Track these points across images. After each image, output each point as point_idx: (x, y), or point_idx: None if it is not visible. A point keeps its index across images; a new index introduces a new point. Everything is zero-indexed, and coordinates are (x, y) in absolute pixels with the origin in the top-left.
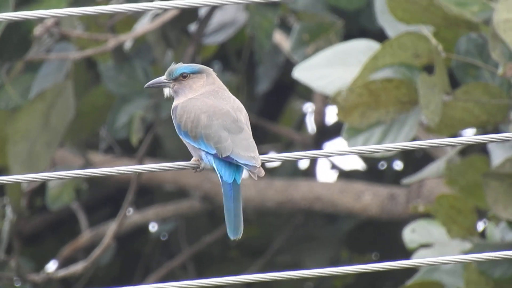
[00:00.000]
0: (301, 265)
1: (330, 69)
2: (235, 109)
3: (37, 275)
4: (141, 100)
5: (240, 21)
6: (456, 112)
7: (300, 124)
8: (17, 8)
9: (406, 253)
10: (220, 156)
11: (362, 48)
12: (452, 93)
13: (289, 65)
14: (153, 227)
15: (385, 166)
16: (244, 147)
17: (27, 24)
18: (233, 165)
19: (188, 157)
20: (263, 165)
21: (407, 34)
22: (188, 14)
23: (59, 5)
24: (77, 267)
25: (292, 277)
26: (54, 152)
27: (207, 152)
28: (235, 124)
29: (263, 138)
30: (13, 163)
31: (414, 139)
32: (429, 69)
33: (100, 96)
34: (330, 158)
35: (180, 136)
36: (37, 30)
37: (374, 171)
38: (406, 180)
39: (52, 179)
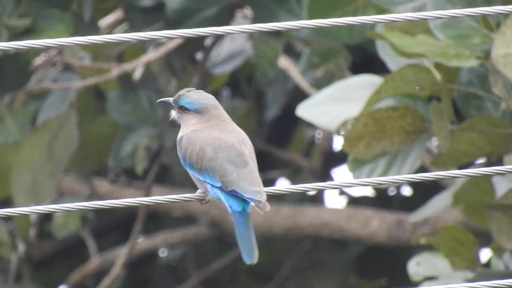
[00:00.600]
0: None
1: (333, 105)
2: (240, 142)
3: None
4: (146, 129)
5: (248, 51)
6: (461, 145)
7: (308, 150)
8: (13, 40)
9: None
10: (225, 190)
11: (365, 83)
12: (457, 123)
13: (297, 91)
14: (162, 253)
15: (394, 192)
16: (249, 181)
17: (26, 55)
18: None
19: (195, 185)
20: (269, 197)
21: (409, 66)
22: (193, 42)
23: (60, 36)
24: None
25: None
26: (58, 182)
27: (212, 185)
28: (240, 158)
29: (272, 164)
30: (16, 193)
31: (419, 169)
32: (430, 100)
33: (106, 125)
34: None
35: (185, 168)
36: (39, 60)
37: (383, 197)
38: (413, 218)
39: (58, 211)
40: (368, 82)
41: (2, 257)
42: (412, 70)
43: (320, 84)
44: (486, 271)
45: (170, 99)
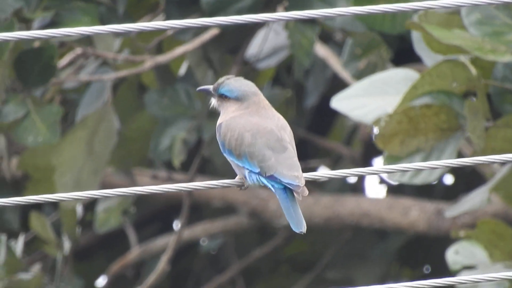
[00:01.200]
0: (351, 281)
1: (368, 98)
2: (279, 127)
3: None
4: (184, 122)
5: None
6: (496, 143)
7: (349, 138)
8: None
9: None
10: (264, 175)
11: (400, 77)
12: (492, 119)
13: (337, 80)
14: (203, 242)
15: (436, 181)
16: (288, 166)
17: (50, 50)
18: None
19: (235, 173)
20: (308, 182)
21: (445, 62)
22: (229, 34)
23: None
24: None
25: None
26: (101, 178)
27: (250, 171)
28: (278, 143)
29: (312, 153)
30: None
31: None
32: (466, 96)
33: (146, 120)
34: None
35: (224, 154)
36: (73, 53)
37: (424, 186)
38: (448, 213)
39: (97, 197)
40: (403, 76)
41: (48, 255)
42: (448, 65)
43: (362, 76)
44: None
45: (210, 87)
